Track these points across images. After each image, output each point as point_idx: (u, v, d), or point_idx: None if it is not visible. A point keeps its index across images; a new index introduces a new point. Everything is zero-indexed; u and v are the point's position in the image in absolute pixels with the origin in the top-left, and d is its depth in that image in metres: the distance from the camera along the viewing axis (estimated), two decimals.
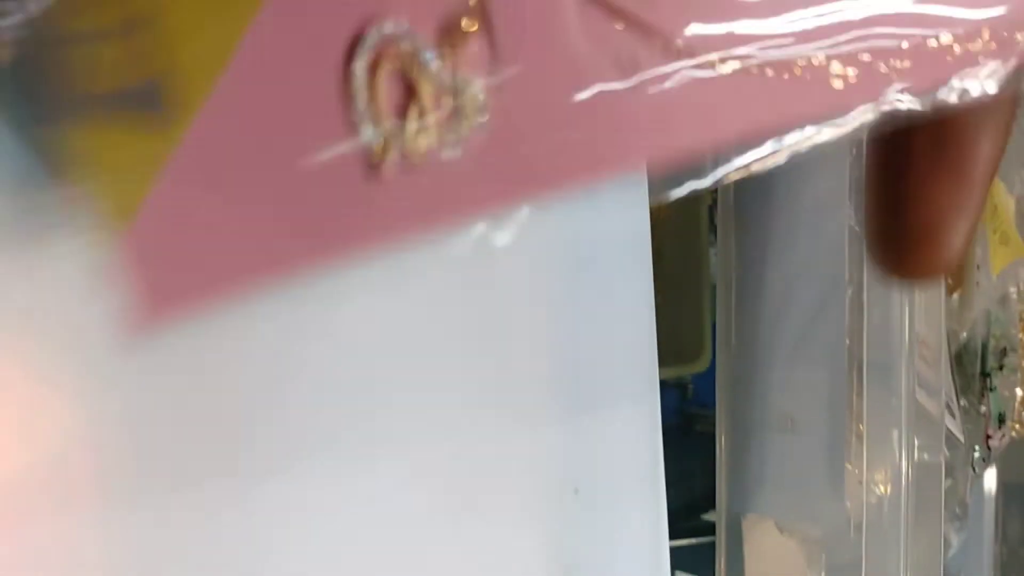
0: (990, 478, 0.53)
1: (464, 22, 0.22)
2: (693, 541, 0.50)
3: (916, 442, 0.46)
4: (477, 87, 0.22)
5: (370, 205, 0.22)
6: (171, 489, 0.29)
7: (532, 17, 0.22)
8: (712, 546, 0.50)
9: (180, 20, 0.20)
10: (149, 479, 0.29)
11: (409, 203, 0.22)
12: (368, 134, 0.21)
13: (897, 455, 0.46)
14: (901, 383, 0.46)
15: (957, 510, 0.48)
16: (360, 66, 0.22)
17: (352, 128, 0.21)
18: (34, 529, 0.26)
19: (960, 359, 0.48)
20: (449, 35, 0.23)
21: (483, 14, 0.22)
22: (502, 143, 0.23)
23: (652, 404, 0.46)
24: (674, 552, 0.45)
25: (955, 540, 0.48)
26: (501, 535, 0.40)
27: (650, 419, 0.47)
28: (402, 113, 0.21)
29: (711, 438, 0.51)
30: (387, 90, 0.22)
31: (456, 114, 0.22)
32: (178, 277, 0.22)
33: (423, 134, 0.21)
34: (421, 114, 0.22)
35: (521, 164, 0.24)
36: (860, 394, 0.46)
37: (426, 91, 0.22)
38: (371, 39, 0.22)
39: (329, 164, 0.21)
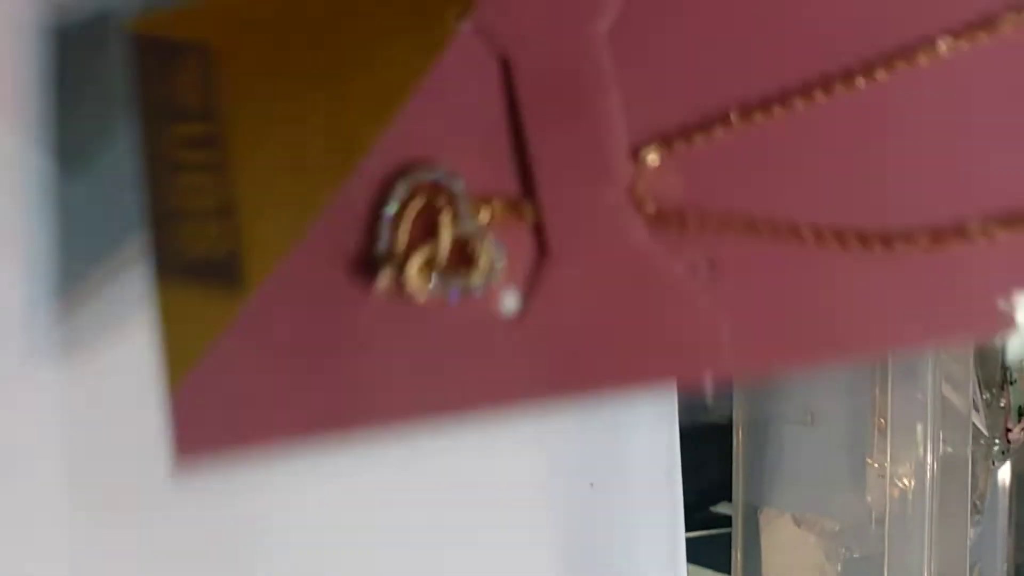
0: (1004, 470, 0.52)
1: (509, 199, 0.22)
2: (703, 533, 0.50)
3: (942, 436, 0.45)
4: (498, 255, 0.22)
5: (358, 316, 0.22)
6: None
7: (588, 222, 0.21)
8: (721, 538, 0.49)
9: (256, 209, 0.22)
10: None
11: (394, 330, 0.22)
12: (381, 246, 0.22)
13: (922, 449, 0.45)
14: (927, 377, 0.44)
15: (976, 503, 0.47)
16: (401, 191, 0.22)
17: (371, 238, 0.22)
18: None
19: (982, 351, 0.47)
20: (491, 201, 0.22)
21: (535, 204, 0.22)
22: (538, 329, 0.21)
23: (668, 401, 0.46)
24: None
25: (972, 532, 0.48)
26: (517, 526, 0.40)
27: (667, 416, 0.46)
28: (417, 244, 0.22)
29: (719, 430, 0.50)
30: (416, 220, 0.22)
31: (468, 265, 0.22)
32: (221, 425, 0.22)
33: (422, 274, 0.22)
34: (431, 256, 0.22)
35: (560, 355, 0.22)
36: (884, 389, 0.45)
37: (444, 237, 0.22)
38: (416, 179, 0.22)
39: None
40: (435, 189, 0.22)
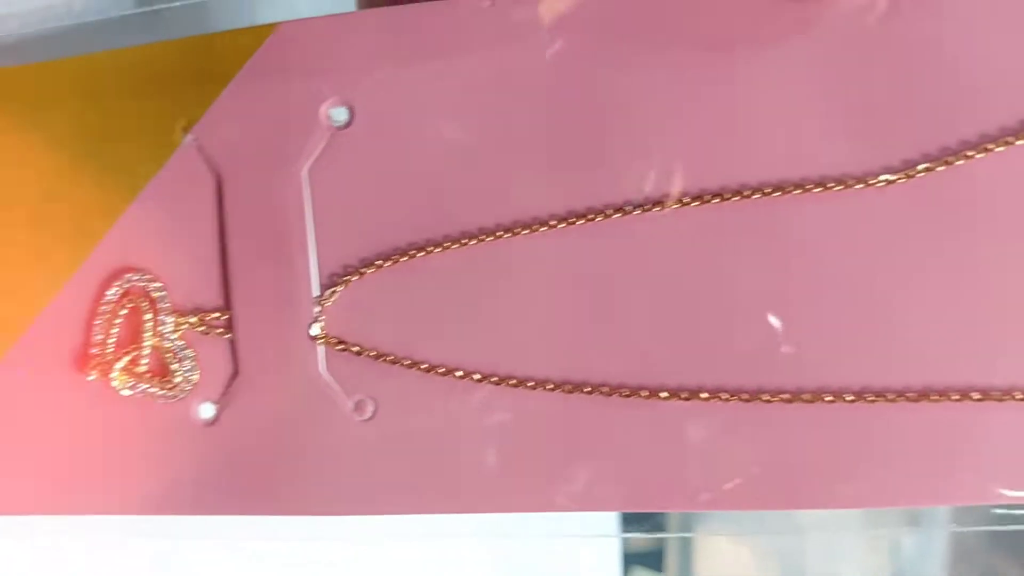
0: None
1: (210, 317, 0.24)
2: (650, 537, 0.51)
3: None
4: (192, 368, 0.24)
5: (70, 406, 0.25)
6: None
7: (275, 348, 0.24)
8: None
9: None
10: None
11: (102, 422, 0.25)
12: (95, 342, 0.25)
13: None
14: None
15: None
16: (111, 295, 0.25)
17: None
18: None
19: None
20: (193, 315, 0.25)
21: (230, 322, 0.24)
22: (228, 448, 0.24)
23: None
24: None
25: (908, 542, 0.49)
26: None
27: None
28: (126, 345, 0.25)
29: None
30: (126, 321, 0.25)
31: (166, 374, 0.25)
32: None
33: (126, 376, 0.25)
34: (134, 361, 0.25)
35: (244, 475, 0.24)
36: None
37: (146, 345, 0.25)
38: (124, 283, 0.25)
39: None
40: (142, 296, 0.24)
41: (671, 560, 0.50)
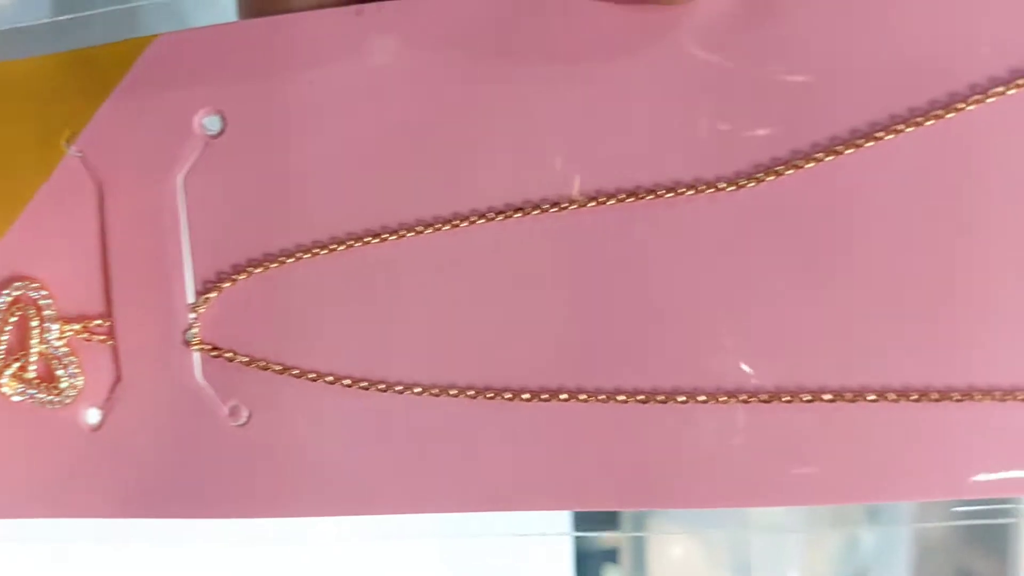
0: None
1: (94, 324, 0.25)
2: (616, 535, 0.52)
3: None
4: (76, 375, 0.25)
5: None
6: None
7: (154, 354, 0.25)
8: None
9: None
10: None
11: None
12: None
13: None
14: None
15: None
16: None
17: None
18: None
19: None
20: (77, 322, 0.25)
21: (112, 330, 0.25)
22: (112, 453, 0.24)
23: None
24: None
25: (866, 538, 0.49)
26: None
27: None
28: (15, 351, 0.25)
29: None
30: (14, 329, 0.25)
31: (57, 381, 0.25)
32: None
33: (15, 381, 0.25)
34: (22, 367, 0.25)
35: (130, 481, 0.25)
36: None
37: (32, 352, 0.25)
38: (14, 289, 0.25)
39: None
40: (30, 304, 0.25)
41: (625, 557, 0.51)
